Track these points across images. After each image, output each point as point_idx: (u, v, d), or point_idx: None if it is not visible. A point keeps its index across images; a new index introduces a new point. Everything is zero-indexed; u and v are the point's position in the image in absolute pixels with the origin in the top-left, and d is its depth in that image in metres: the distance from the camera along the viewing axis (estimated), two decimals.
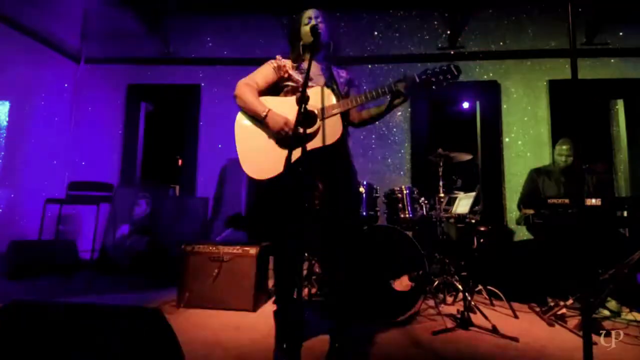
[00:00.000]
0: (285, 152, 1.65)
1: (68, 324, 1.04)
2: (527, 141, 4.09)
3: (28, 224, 3.86)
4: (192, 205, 4.13)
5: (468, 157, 2.88)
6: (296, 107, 1.68)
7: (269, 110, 1.67)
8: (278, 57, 1.86)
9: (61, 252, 3.64)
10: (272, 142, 1.70)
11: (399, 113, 4.27)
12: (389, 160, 4.23)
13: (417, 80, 1.64)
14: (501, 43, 4.24)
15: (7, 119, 3.69)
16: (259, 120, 1.70)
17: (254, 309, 2.47)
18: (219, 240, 3.51)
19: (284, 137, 1.65)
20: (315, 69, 1.81)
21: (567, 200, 2.64)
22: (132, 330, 0.95)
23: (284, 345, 1.66)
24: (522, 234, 3.72)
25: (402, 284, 2.25)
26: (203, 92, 4.52)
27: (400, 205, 2.75)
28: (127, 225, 3.61)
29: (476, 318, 2.23)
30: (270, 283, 2.96)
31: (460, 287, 2.60)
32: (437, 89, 1.65)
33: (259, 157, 1.69)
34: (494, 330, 2.07)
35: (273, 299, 2.72)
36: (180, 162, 5.13)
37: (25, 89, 3.90)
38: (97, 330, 0.97)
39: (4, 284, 3.16)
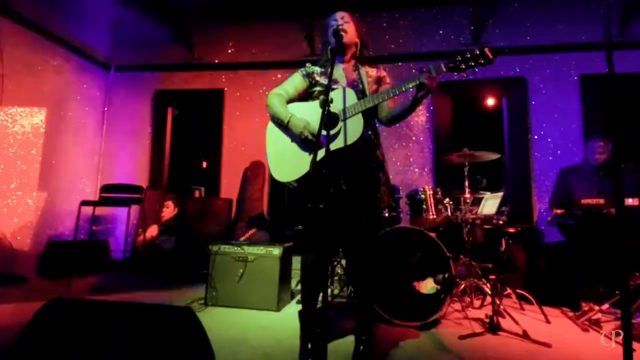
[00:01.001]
0: (307, 155, 1.67)
1: (105, 320, 1.09)
2: (558, 139, 3.93)
3: (64, 225, 4.07)
4: (216, 206, 4.24)
5: (495, 156, 2.79)
6: (317, 110, 1.70)
7: (291, 115, 1.71)
8: (308, 64, 1.89)
9: (95, 252, 3.82)
10: (295, 146, 1.73)
11: (421, 112, 4.21)
12: (411, 160, 4.17)
13: (445, 69, 1.57)
14: (528, 37, 4.10)
15: (44, 125, 3.91)
16: (284, 126, 1.74)
17: (278, 308, 2.50)
18: (243, 240, 3.58)
19: (307, 140, 1.67)
20: (342, 70, 1.82)
21: (602, 200, 2.53)
22: (166, 328, 0.99)
23: (309, 346, 1.67)
24: (553, 235, 3.58)
25: (427, 286, 2.21)
26: (226, 96, 4.63)
27: (423, 206, 2.71)
28: (156, 226, 3.74)
29: (505, 323, 2.16)
30: (294, 283, 2.99)
31: (488, 290, 2.53)
32: (467, 75, 1.57)
33: (284, 160, 1.73)
34: (525, 335, 2.01)
35: (296, 299, 2.76)
36: (204, 164, 5.26)
37: (61, 97, 4.12)
38: (132, 327, 1.02)
39: (42, 283, 3.34)
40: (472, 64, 1.55)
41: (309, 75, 1.84)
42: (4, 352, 1.02)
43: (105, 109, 4.75)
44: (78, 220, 3.41)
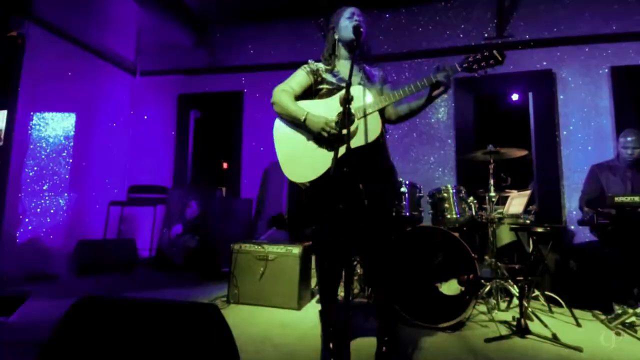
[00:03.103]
0: (325, 154, 1.66)
1: (133, 317, 1.12)
2: (588, 134, 3.76)
3: (94, 224, 4.24)
4: (237, 206, 4.30)
5: (522, 153, 2.70)
6: (334, 108, 1.68)
7: (307, 112, 1.67)
8: (310, 61, 1.87)
9: (123, 250, 3.95)
10: (311, 145, 1.70)
11: (442, 109, 4.12)
12: (432, 159, 4.09)
13: (459, 68, 1.61)
14: (555, 29, 3.93)
15: (74, 129, 4.08)
16: (297, 124, 1.71)
17: (299, 307, 2.51)
18: (263, 239, 3.61)
19: (326, 138, 1.64)
20: (353, 68, 1.80)
21: (636, 198, 2.40)
22: (192, 324, 1.01)
23: (331, 345, 1.67)
24: (584, 235, 3.43)
25: (451, 288, 2.17)
26: (246, 98, 4.69)
27: (446, 205, 2.65)
28: (180, 225, 3.84)
29: (533, 325, 2.09)
30: (313, 282, 2.99)
31: (515, 292, 2.46)
32: (479, 75, 1.60)
33: (299, 161, 1.70)
34: (555, 338, 1.94)
35: (316, 298, 2.77)
36: (225, 165, 5.35)
37: (89, 101, 4.29)
38: (160, 323, 1.04)
39: (73, 280, 3.49)
40: (484, 64, 1.58)
41: (313, 73, 1.81)
42: (38, 349, 1.07)
43: (131, 112, 4.92)
44: (107, 220, 3.53)
